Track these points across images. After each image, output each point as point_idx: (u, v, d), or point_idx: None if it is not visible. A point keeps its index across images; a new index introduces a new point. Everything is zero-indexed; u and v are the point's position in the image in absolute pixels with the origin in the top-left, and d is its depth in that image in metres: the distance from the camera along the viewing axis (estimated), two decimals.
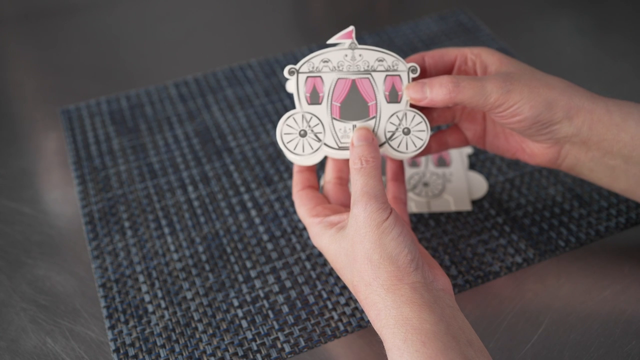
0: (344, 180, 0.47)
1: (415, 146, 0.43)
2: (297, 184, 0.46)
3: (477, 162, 0.56)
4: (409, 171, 0.55)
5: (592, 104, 0.42)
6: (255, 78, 0.67)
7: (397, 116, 0.43)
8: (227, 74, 0.68)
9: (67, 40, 0.74)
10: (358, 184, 0.39)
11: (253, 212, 0.53)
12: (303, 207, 0.44)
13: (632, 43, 0.70)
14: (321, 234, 0.42)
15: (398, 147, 0.43)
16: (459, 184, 0.54)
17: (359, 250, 0.38)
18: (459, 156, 0.56)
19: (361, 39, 0.71)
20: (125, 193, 0.56)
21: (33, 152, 0.61)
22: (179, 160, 0.58)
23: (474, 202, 0.53)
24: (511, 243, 0.50)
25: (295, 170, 0.47)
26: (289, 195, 0.55)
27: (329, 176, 0.46)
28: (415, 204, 0.53)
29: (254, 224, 0.53)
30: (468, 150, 0.57)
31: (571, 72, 0.66)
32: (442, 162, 0.56)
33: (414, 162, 0.56)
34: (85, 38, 0.75)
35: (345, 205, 0.46)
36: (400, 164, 0.48)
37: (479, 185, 0.54)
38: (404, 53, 0.69)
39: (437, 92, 0.41)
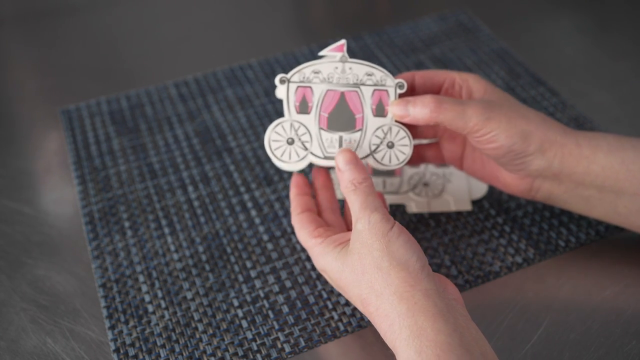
0: (335, 211, 0.48)
1: (398, 160, 0.44)
2: (296, 207, 0.46)
3: None
4: (409, 171, 0.55)
5: (564, 138, 0.43)
6: (255, 78, 0.67)
7: (382, 130, 0.44)
8: (227, 74, 0.68)
9: (67, 40, 0.74)
10: (356, 203, 0.40)
11: (253, 212, 0.53)
12: (304, 230, 0.44)
13: (632, 43, 0.70)
14: (324, 253, 0.42)
15: (382, 159, 0.44)
16: (459, 184, 0.54)
17: (367, 261, 0.38)
18: None
19: (361, 39, 0.71)
20: (126, 193, 0.56)
21: (33, 152, 0.61)
22: (179, 160, 0.58)
23: (474, 202, 0.53)
24: (511, 243, 0.50)
25: (292, 194, 0.47)
26: (289, 195, 0.55)
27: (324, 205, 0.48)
28: (416, 204, 0.53)
29: (254, 224, 0.53)
30: None
31: (571, 72, 0.66)
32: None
33: None
34: (85, 38, 0.75)
35: (345, 230, 0.46)
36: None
37: (479, 185, 0.54)
38: (404, 53, 0.69)
39: (420, 111, 0.42)
